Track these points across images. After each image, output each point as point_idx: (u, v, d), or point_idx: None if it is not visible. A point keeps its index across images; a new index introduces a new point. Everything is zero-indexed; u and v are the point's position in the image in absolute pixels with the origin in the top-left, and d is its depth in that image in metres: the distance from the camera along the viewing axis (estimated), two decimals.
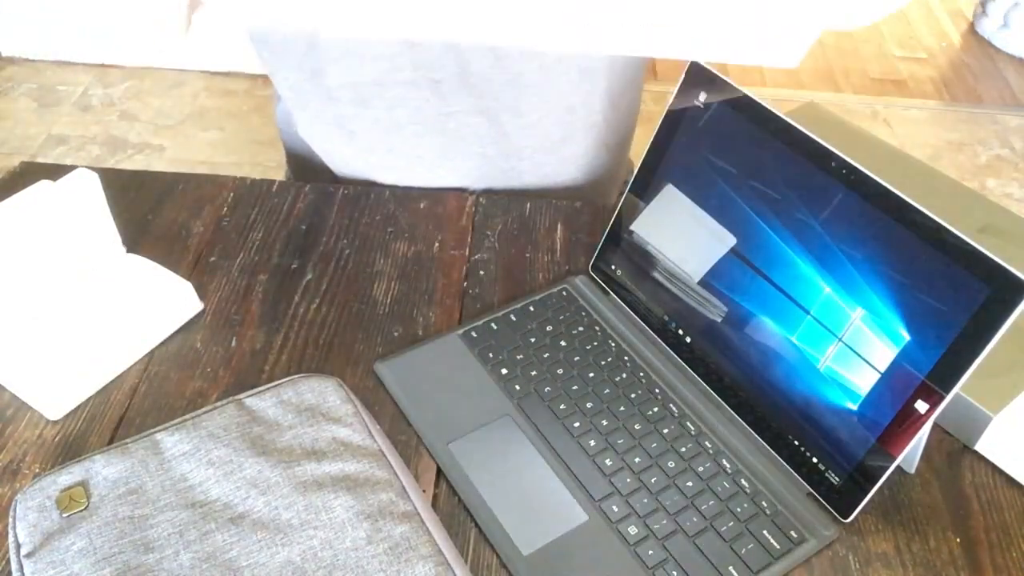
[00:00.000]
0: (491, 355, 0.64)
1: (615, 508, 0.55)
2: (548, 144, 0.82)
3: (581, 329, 0.66)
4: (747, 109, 0.57)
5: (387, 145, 0.81)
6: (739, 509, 0.55)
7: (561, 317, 0.67)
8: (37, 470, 0.56)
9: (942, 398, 0.48)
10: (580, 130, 0.83)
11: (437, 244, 0.75)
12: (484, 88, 0.75)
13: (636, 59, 0.84)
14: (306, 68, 0.75)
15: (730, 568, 0.52)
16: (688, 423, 0.60)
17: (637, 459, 0.57)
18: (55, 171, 0.68)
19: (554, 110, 0.80)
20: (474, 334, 0.65)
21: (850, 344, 0.52)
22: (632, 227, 0.66)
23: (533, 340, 0.65)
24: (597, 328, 0.66)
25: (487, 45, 0.73)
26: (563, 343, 0.65)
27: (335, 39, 0.73)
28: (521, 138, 0.81)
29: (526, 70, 0.75)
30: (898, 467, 0.53)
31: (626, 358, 0.64)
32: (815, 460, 0.55)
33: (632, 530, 0.54)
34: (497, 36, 0.47)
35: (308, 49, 0.74)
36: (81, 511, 0.50)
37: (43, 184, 0.61)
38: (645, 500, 0.55)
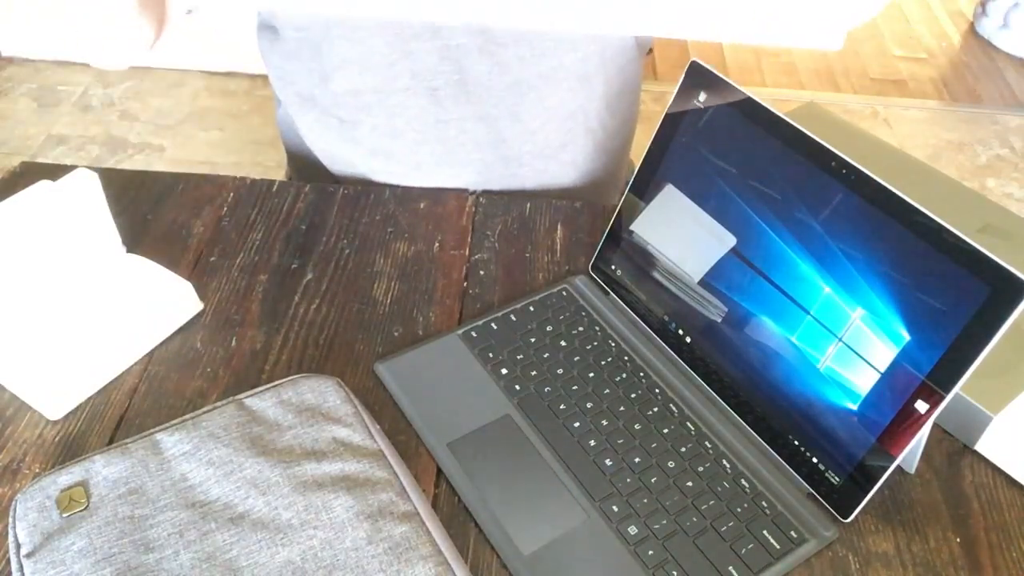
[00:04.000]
0: (491, 355, 0.64)
1: (615, 508, 0.55)
2: (548, 150, 0.82)
3: (581, 329, 0.66)
4: (747, 109, 0.57)
5: (387, 151, 0.81)
6: (739, 509, 0.55)
7: (561, 317, 0.67)
8: (37, 470, 0.56)
9: (942, 398, 0.48)
10: (579, 135, 0.83)
11: (437, 244, 0.75)
12: (483, 95, 0.75)
13: (634, 63, 0.84)
14: (315, 73, 0.75)
15: (730, 568, 0.52)
16: (688, 423, 0.60)
17: (637, 459, 0.57)
18: (55, 171, 0.68)
19: (553, 116, 0.79)
20: (474, 334, 0.65)
21: (850, 344, 0.52)
22: (632, 227, 0.66)
23: (533, 340, 0.65)
24: (597, 328, 0.66)
25: (486, 49, 0.72)
26: (563, 343, 0.65)
27: (338, 46, 0.73)
28: (520, 144, 0.81)
29: (525, 76, 0.75)
30: (898, 467, 0.53)
31: (626, 358, 0.64)
32: (815, 460, 0.55)
33: (632, 530, 0.54)
34: (507, 19, 0.46)
35: (314, 54, 0.74)
36: (81, 511, 0.50)
37: (43, 184, 0.61)
38: (645, 500, 0.55)
